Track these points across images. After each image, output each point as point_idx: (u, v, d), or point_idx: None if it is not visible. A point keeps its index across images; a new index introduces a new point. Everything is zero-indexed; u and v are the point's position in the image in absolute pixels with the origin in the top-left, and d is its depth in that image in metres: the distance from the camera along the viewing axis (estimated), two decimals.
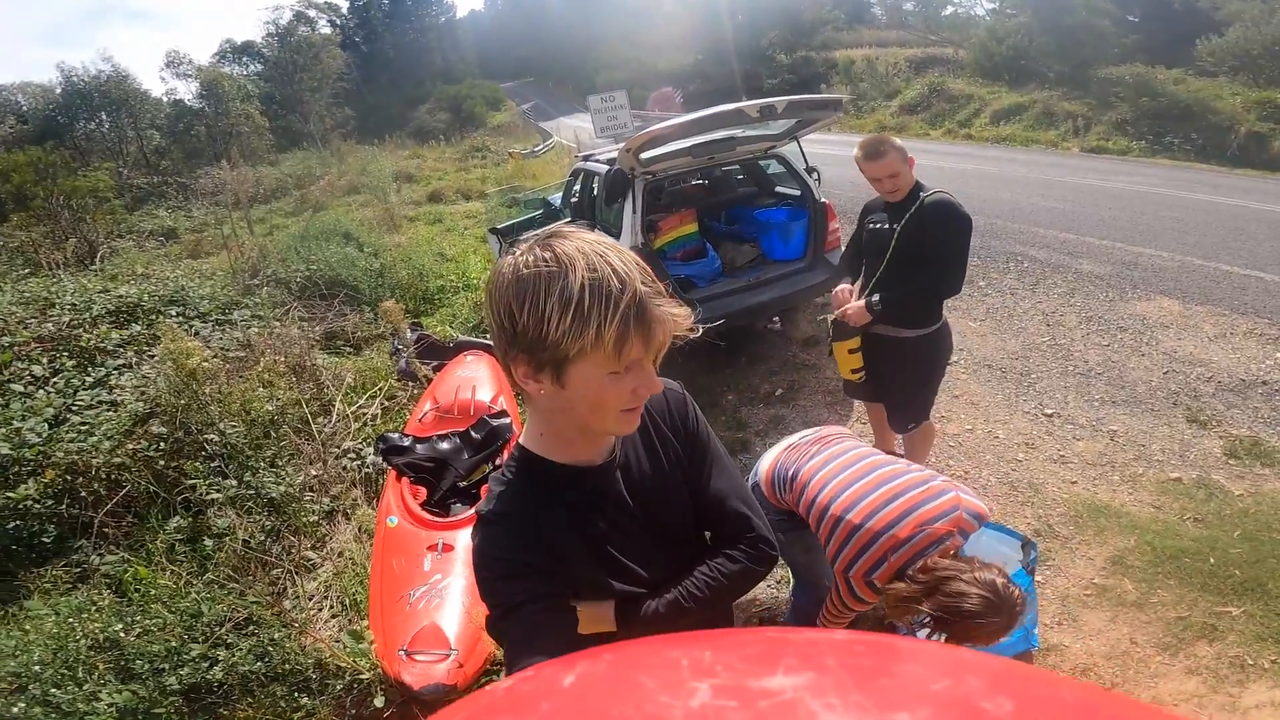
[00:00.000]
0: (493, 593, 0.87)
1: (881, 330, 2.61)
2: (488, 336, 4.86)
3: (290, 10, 36.91)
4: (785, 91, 11.70)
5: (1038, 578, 2.56)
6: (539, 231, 0.81)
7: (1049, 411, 3.69)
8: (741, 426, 3.91)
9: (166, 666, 2.18)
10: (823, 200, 4.43)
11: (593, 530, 0.94)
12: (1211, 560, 2.58)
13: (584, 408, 0.84)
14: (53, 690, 2.03)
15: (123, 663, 2.16)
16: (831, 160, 10.21)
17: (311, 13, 39.97)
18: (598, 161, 5.19)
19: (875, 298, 2.54)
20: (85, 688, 2.06)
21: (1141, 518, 2.88)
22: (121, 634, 2.22)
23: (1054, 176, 9.95)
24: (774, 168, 5.09)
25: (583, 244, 0.76)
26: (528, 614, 0.83)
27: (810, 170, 4.50)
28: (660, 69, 32.07)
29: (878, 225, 2.59)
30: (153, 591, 2.48)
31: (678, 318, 0.79)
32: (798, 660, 0.45)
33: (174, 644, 2.24)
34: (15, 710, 1.96)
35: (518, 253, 0.78)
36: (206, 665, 2.23)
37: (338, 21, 46.53)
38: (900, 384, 2.72)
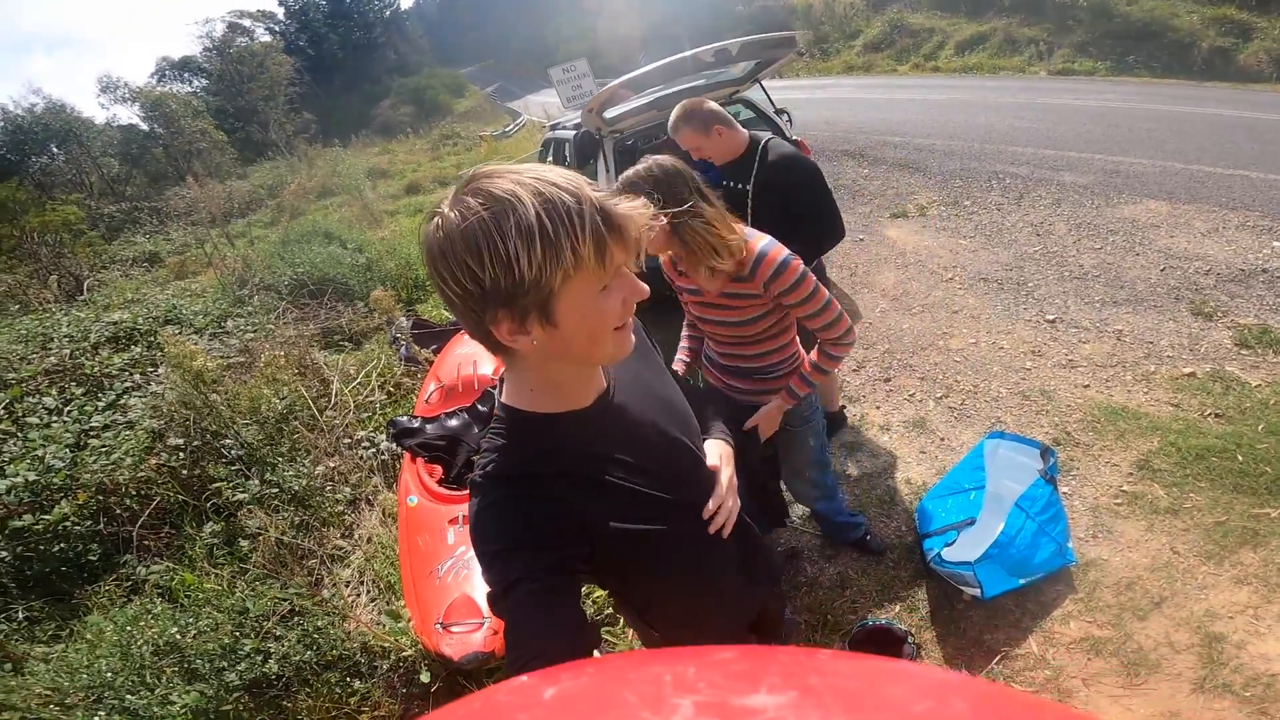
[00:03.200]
0: (490, 569, 0.80)
1: None
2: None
3: (222, 22, 35.93)
4: None
5: (1064, 488, 2.55)
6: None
7: (1050, 317, 3.68)
8: None
9: (225, 664, 2.22)
10: (796, 139, 4.42)
11: (607, 479, 0.86)
12: (1240, 458, 2.52)
13: (581, 339, 0.77)
14: (127, 697, 2.08)
15: (185, 664, 2.21)
16: (802, 104, 10.16)
17: (246, 22, 38.86)
18: (565, 128, 5.17)
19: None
20: (157, 691, 2.11)
21: (1161, 417, 2.82)
22: (179, 636, 2.26)
23: (1026, 99, 9.90)
24: (744, 115, 5.06)
25: (513, 175, 0.69)
26: (524, 593, 0.76)
27: (780, 112, 4.48)
28: (621, 34, 31.45)
29: (729, 183, 2.54)
30: (200, 595, 2.53)
31: (639, 209, 0.73)
32: (781, 679, 0.45)
33: (228, 641, 2.29)
34: (98, 719, 2.01)
35: (444, 211, 0.69)
36: (261, 659, 2.28)
37: (276, 28, 45.32)
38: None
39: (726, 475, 1.05)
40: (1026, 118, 8.32)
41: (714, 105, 2.44)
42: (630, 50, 27.11)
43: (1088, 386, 3.14)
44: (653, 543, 0.89)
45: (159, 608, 2.46)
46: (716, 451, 1.09)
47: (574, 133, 4.71)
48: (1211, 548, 2.23)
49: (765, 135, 2.54)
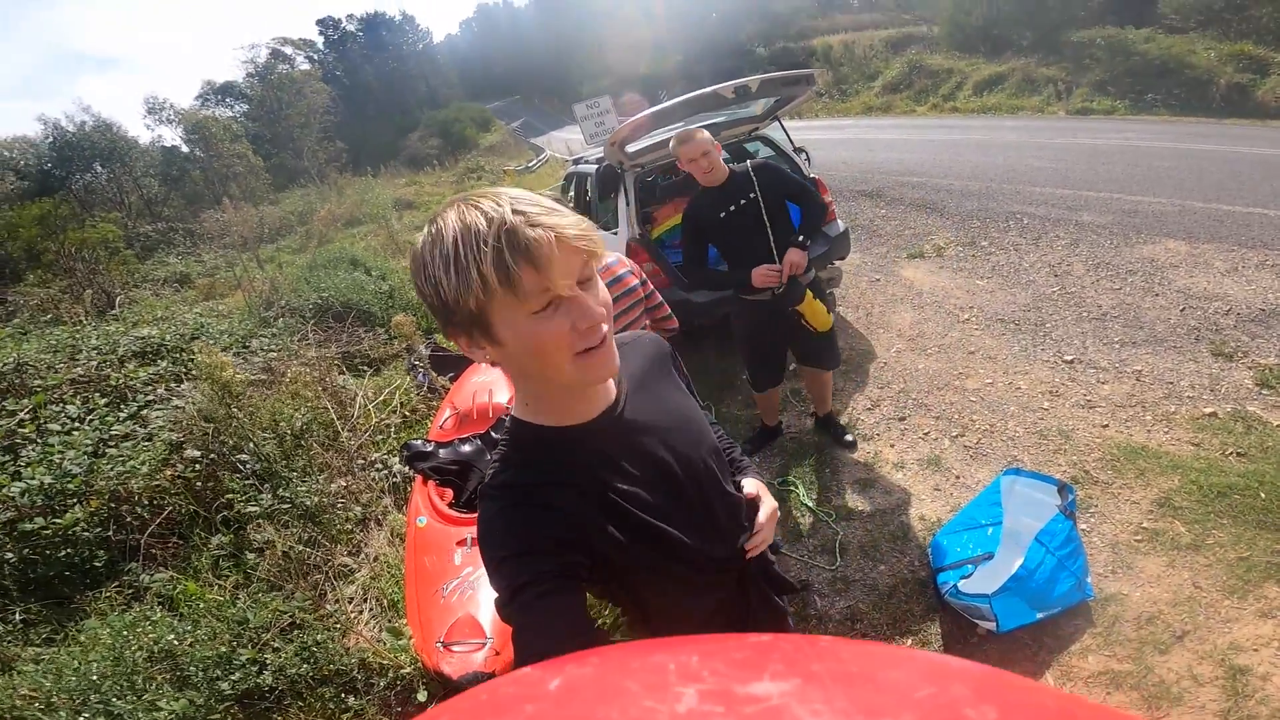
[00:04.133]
0: (497, 574, 0.81)
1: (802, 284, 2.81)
2: None
3: (266, 49, 37.15)
4: None
5: (1082, 525, 2.53)
6: None
7: (1069, 358, 3.65)
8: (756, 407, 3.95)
9: (219, 673, 2.22)
10: (813, 176, 4.48)
11: (608, 494, 0.86)
12: (1263, 495, 2.50)
13: (531, 361, 0.77)
14: (114, 700, 2.08)
15: (178, 671, 2.21)
16: (821, 144, 10.29)
17: (288, 49, 40.29)
18: (588, 163, 5.28)
19: (800, 238, 2.75)
20: (144, 697, 2.11)
21: (1182, 456, 2.80)
22: (175, 644, 2.27)
23: (1044, 139, 9.98)
24: (763, 151, 5.15)
25: (460, 203, 0.74)
26: (530, 597, 0.77)
27: (799, 150, 4.55)
28: (643, 72, 32.33)
29: (733, 208, 2.76)
30: (201, 604, 2.54)
31: (561, 227, 0.72)
32: (784, 666, 0.45)
33: (224, 650, 2.29)
34: None
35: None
36: (256, 670, 2.27)
37: (315, 57, 46.94)
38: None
39: (769, 508, 1.09)
40: (1044, 157, 8.36)
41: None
42: (652, 89, 27.80)
43: (1106, 426, 3.11)
44: (649, 557, 0.89)
45: (158, 615, 2.47)
46: (755, 484, 1.12)
47: (596, 167, 4.81)
48: (1235, 582, 2.21)
49: (734, 165, 2.84)
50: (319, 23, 49.68)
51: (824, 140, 12.71)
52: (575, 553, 0.82)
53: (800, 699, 0.39)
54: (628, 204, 4.17)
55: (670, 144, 2.80)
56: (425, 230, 0.75)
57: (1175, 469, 2.73)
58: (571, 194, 5.74)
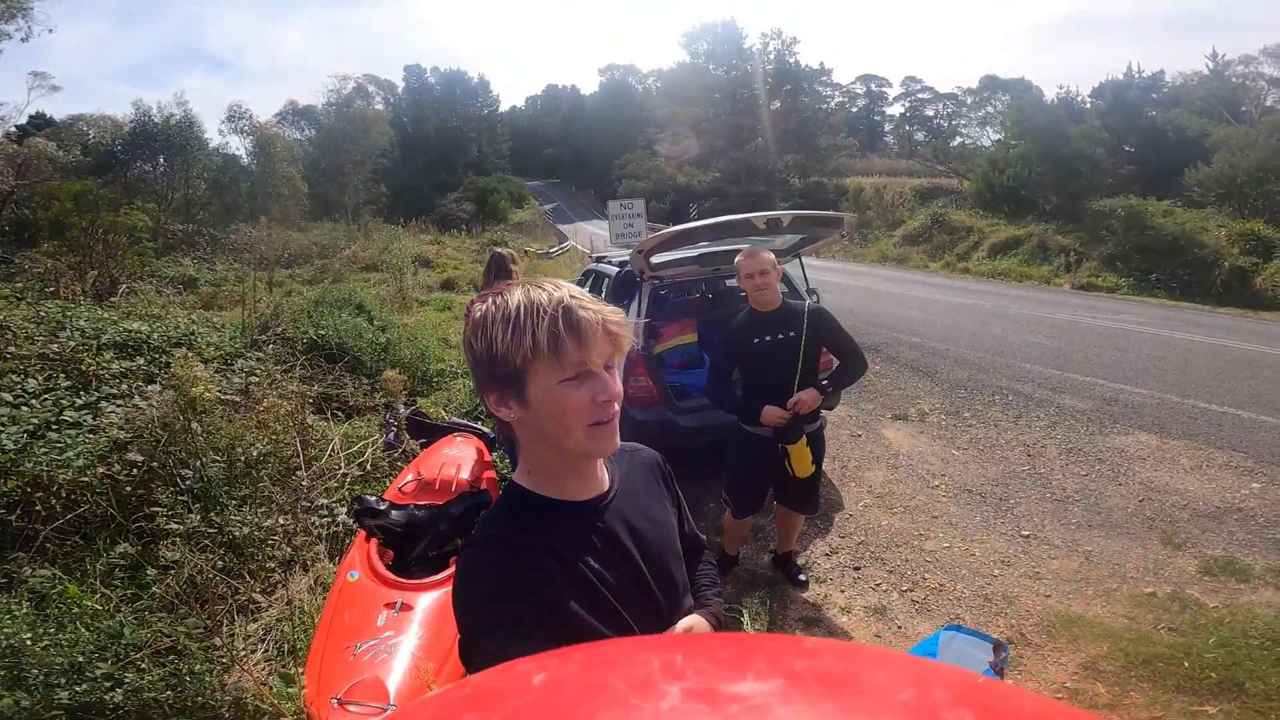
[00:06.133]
0: (471, 614, 0.87)
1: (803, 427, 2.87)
2: (479, 415, 4.92)
3: (353, 82, 38.92)
4: None
5: (1008, 680, 2.54)
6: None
7: (1026, 533, 3.73)
8: (720, 532, 3.90)
9: (63, 680, 2.07)
10: None
11: (580, 566, 0.92)
12: (1186, 664, 2.59)
13: (551, 424, 0.89)
14: None
15: (17, 671, 2.07)
16: (831, 288, 10.70)
17: (371, 87, 42.34)
18: (609, 263, 5.42)
19: (824, 381, 2.83)
20: None
21: (1115, 627, 2.92)
22: (27, 642, 2.13)
23: (1044, 313, 10.36)
24: (779, 287, 5.28)
25: (525, 283, 0.91)
26: (504, 637, 0.82)
27: (811, 291, 4.64)
28: (679, 183, 33.97)
29: (770, 338, 2.85)
30: (75, 610, 2.41)
31: (607, 315, 0.88)
32: (767, 666, 0.46)
33: (80, 660, 2.15)
34: None
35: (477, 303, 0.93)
36: (109, 686, 2.12)
37: (391, 100, 49.33)
38: (817, 471, 3.01)
39: (683, 625, 1.07)
40: (1041, 333, 8.66)
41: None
42: (684, 198, 29.09)
43: (1049, 596, 3.19)
44: (603, 638, 0.92)
45: (22, 610, 2.33)
46: (695, 619, 1.10)
47: (617, 270, 4.89)
48: None
49: (792, 299, 2.98)
50: (406, 69, 52.48)
51: (836, 284, 13.19)
52: (547, 612, 0.88)
53: (783, 699, 0.39)
54: (639, 314, 4.21)
55: (736, 257, 2.92)
56: (490, 301, 0.90)
57: (1106, 637, 2.82)
58: (587, 288, 5.86)
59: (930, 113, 53.46)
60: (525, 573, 0.88)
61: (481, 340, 0.88)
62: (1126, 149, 21.84)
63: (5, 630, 2.13)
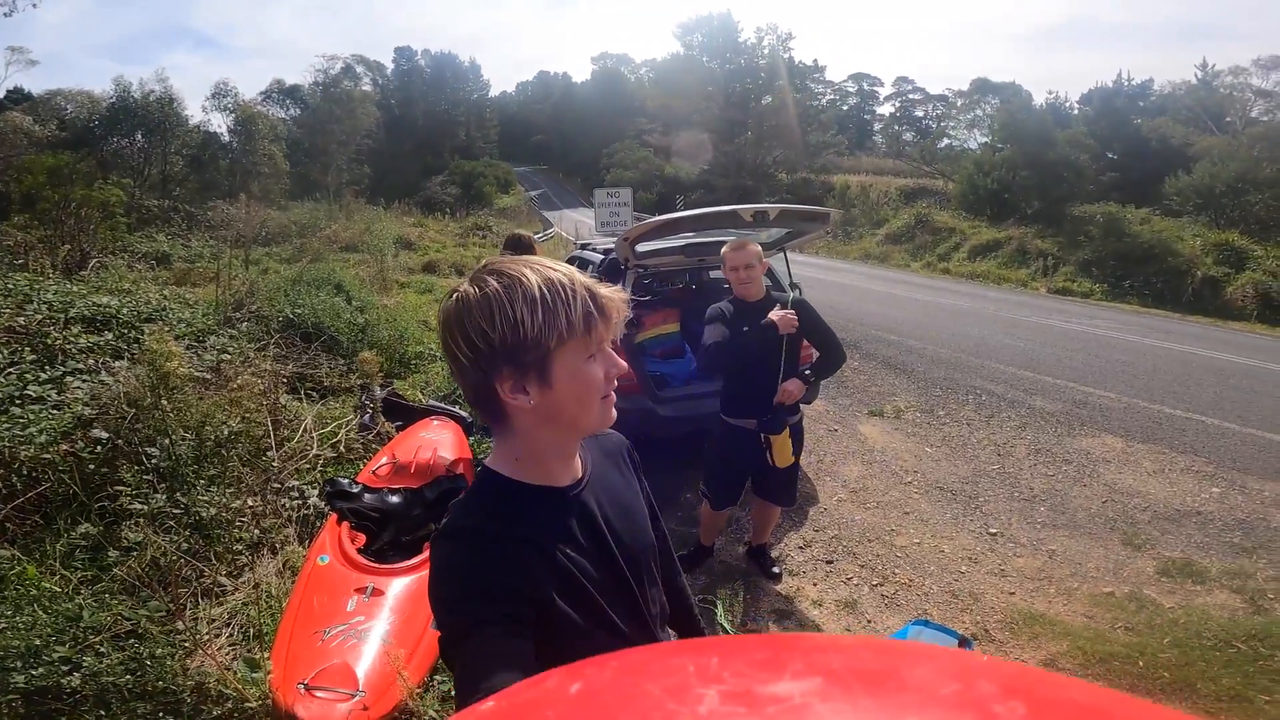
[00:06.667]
0: (448, 611, 0.84)
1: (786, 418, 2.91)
2: (457, 399, 4.88)
3: (342, 62, 38.18)
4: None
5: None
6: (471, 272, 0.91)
7: (993, 531, 3.80)
8: (696, 523, 3.92)
9: (19, 664, 2.03)
10: None
11: (558, 555, 0.91)
12: (1141, 663, 2.68)
13: (572, 402, 0.88)
14: None
15: None
16: (813, 284, 10.72)
17: (360, 68, 41.51)
18: (594, 250, 5.40)
19: (806, 371, 2.87)
20: None
21: (1074, 625, 2.99)
22: None
23: (1020, 315, 10.53)
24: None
25: (522, 262, 0.87)
26: (484, 637, 0.79)
27: (794, 285, 4.64)
28: (667, 174, 33.89)
29: (750, 328, 2.86)
30: (33, 592, 2.35)
31: (620, 295, 0.90)
32: (805, 665, 0.44)
33: (37, 643, 2.10)
34: None
35: (463, 289, 0.86)
36: (66, 669, 2.08)
37: (380, 81, 48.39)
38: (795, 463, 3.08)
39: None
40: (1016, 335, 8.81)
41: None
42: (671, 189, 29.05)
43: (1013, 594, 3.26)
44: (580, 628, 0.92)
45: None
46: None
47: (601, 257, 4.88)
48: None
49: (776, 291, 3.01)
50: (396, 50, 51.47)
51: (819, 280, 13.24)
52: (527, 605, 0.85)
53: (823, 698, 0.38)
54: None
55: (723, 249, 2.94)
56: (490, 282, 0.84)
57: (1066, 635, 2.91)
58: None
59: (920, 113, 53.66)
60: (504, 566, 0.86)
61: (503, 324, 0.82)
62: (1110, 155, 22.15)
63: None
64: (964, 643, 2.42)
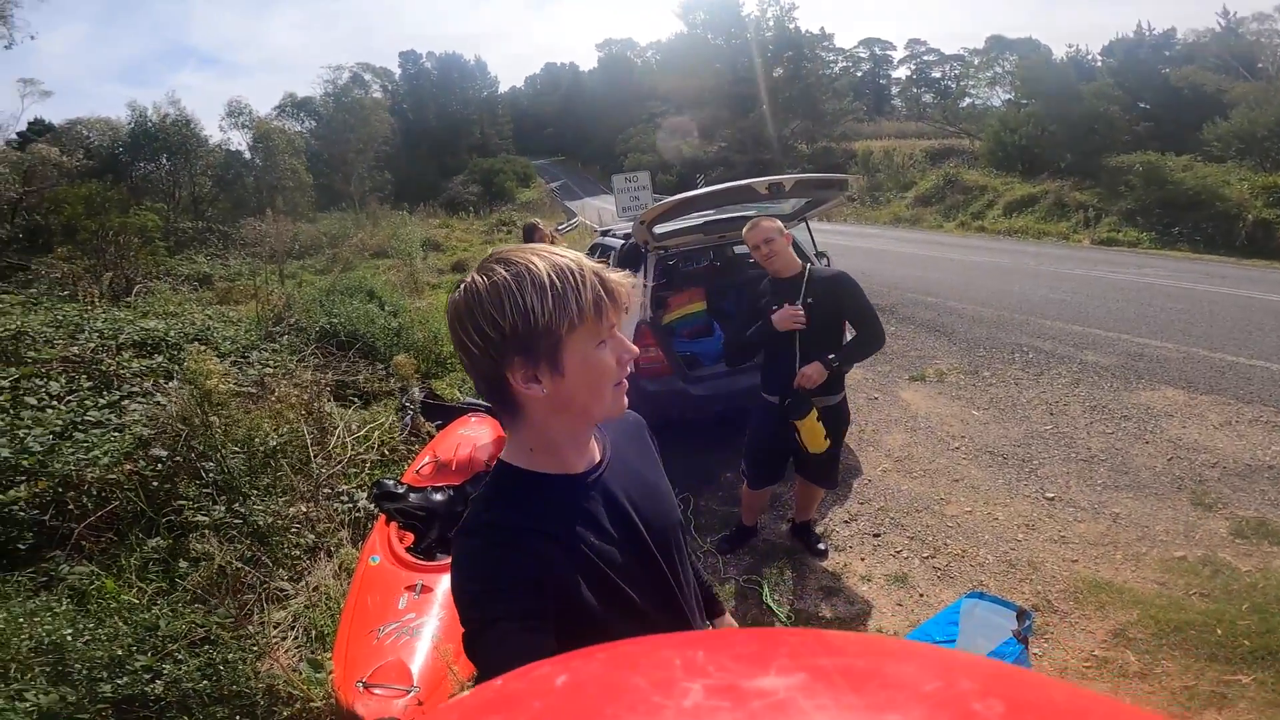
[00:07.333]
0: (469, 607, 0.84)
1: (816, 401, 2.78)
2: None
3: (349, 71, 38.64)
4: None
5: (1035, 650, 2.54)
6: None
7: (1050, 495, 3.66)
8: (737, 503, 3.90)
9: (105, 674, 2.12)
10: None
11: (580, 546, 0.90)
12: (1219, 632, 2.52)
13: (584, 390, 0.87)
14: None
15: (61, 667, 2.12)
16: (844, 250, 10.49)
17: (367, 76, 42.00)
18: (615, 236, 5.38)
19: (830, 356, 2.72)
20: (13, 686, 2.01)
21: (1145, 593, 2.84)
22: (68, 638, 2.18)
23: (1064, 269, 10.14)
24: None
25: (527, 251, 0.85)
26: (503, 633, 0.80)
27: (820, 254, 4.55)
28: (685, 154, 33.55)
29: (777, 307, 2.77)
30: (114, 604, 2.47)
31: (627, 280, 0.89)
32: (790, 660, 0.45)
33: (120, 653, 2.20)
34: None
35: (470, 281, 0.85)
36: (149, 678, 2.18)
37: (389, 87, 48.94)
38: (834, 445, 2.93)
39: None
40: (1061, 289, 8.47)
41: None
42: (691, 170, 28.74)
43: (1076, 561, 3.12)
44: (607, 616, 0.91)
45: (63, 607, 2.38)
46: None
47: (621, 242, 4.84)
48: (1176, 708, 2.24)
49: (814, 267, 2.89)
50: (401, 55, 51.58)
51: (848, 247, 12.96)
52: (549, 599, 0.85)
53: (807, 693, 0.39)
54: (645, 285, 4.16)
55: (744, 229, 2.88)
56: (499, 270, 0.83)
57: (1136, 604, 2.77)
58: None
59: (937, 74, 51.98)
60: (523, 560, 0.85)
61: (513, 313, 0.81)
62: (1141, 106, 21.25)
63: (46, 627, 2.19)
64: (1023, 615, 2.33)
